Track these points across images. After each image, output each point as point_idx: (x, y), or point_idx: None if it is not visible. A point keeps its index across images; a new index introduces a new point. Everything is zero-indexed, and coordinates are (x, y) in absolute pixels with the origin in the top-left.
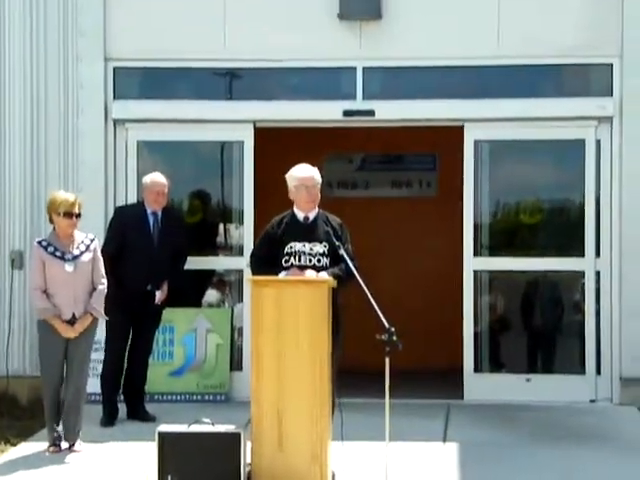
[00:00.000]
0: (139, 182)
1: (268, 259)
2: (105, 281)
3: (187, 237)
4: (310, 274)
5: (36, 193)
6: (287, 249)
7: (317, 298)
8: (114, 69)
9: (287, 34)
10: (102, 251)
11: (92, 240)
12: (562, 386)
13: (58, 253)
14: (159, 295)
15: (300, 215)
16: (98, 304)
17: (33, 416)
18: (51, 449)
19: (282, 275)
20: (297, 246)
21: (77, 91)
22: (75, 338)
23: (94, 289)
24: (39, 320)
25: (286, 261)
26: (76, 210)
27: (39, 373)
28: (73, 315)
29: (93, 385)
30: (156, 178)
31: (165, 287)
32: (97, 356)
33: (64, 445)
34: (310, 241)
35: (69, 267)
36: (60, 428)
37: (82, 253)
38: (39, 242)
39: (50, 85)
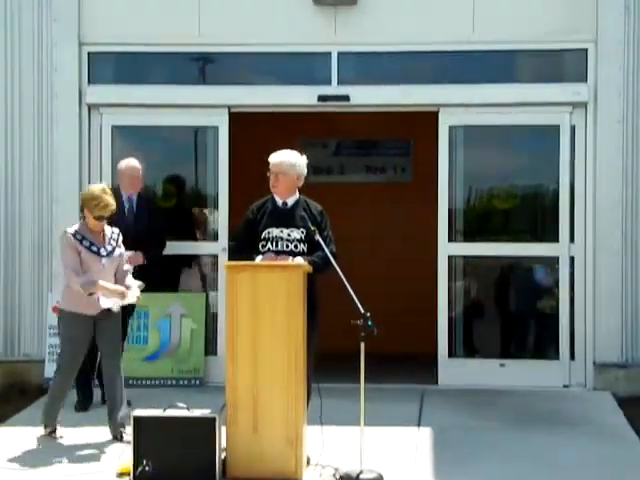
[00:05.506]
0: (114, 167)
1: (247, 244)
2: (130, 267)
3: (164, 222)
4: (283, 260)
5: (10, 178)
6: (264, 234)
7: (292, 283)
8: (88, 54)
9: (262, 19)
10: None
11: (119, 234)
12: (536, 371)
13: (94, 248)
14: (132, 255)
15: (279, 201)
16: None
17: (8, 401)
18: None
19: (258, 259)
20: (274, 231)
21: (51, 76)
22: (102, 326)
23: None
24: (62, 317)
25: (263, 246)
26: (108, 214)
27: (13, 357)
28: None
29: None
30: (130, 162)
31: (140, 254)
32: None
33: None
34: (287, 227)
35: (107, 261)
36: None
37: (114, 249)
38: (73, 234)
39: (24, 69)
